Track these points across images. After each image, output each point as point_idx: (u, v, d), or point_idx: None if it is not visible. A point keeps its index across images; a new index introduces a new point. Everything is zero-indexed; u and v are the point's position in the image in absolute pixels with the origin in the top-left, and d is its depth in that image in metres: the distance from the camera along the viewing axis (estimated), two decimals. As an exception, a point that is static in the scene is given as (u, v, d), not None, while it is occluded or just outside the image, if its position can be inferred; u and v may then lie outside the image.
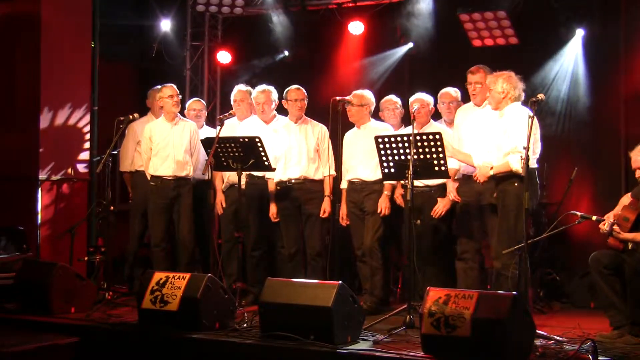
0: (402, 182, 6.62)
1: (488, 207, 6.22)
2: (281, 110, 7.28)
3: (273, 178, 7.02)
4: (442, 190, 6.61)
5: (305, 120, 7.06)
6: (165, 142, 7.25)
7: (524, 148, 5.48)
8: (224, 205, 7.34)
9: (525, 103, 5.91)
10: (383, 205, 6.66)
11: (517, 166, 5.72)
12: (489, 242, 6.34)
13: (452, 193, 6.49)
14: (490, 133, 6.07)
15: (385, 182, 6.65)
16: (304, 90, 7.07)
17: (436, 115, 7.02)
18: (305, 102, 7.04)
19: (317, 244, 6.94)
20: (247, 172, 6.97)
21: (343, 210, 6.91)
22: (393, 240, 7.16)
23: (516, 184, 5.78)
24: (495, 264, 5.98)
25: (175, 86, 7.38)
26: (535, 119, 5.62)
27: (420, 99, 6.81)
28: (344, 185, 6.93)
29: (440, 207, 6.55)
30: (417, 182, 6.21)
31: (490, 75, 6.15)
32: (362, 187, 6.78)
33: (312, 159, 6.96)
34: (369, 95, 6.91)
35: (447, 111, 6.86)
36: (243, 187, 6.85)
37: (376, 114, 7.13)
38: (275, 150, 6.93)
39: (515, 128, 5.80)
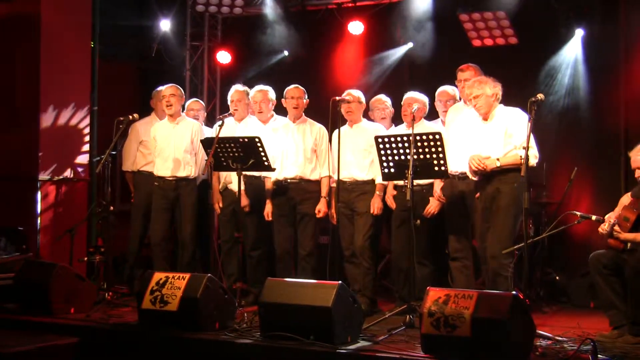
0: (394, 182, 6.62)
1: (473, 206, 6.18)
2: (280, 110, 7.27)
3: (270, 177, 7.01)
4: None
5: (304, 120, 7.05)
6: (167, 143, 7.26)
7: (524, 148, 5.48)
8: (220, 205, 7.34)
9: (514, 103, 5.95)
10: (376, 205, 6.66)
11: (531, 160, 5.68)
12: (477, 241, 6.27)
13: (436, 193, 6.50)
14: (477, 134, 6.04)
15: (377, 183, 6.67)
16: (303, 89, 7.04)
17: (433, 114, 7.01)
18: (303, 100, 6.99)
19: (308, 244, 6.90)
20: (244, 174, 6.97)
21: (333, 209, 6.81)
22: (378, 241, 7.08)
23: (515, 185, 5.75)
24: (492, 264, 5.91)
25: (175, 86, 7.35)
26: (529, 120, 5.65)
27: (415, 98, 6.77)
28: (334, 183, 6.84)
29: (433, 206, 6.55)
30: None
31: (469, 82, 6.07)
32: (353, 187, 6.77)
33: (308, 159, 6.93)
34: (362, 93, 6.96)
35: (445, 109, 6.78)
36: (243, 187, 6.84)
37: (365, 113, 7.12)
38: (273, 150, 6.92)
39: (518, 126, 5.82)
